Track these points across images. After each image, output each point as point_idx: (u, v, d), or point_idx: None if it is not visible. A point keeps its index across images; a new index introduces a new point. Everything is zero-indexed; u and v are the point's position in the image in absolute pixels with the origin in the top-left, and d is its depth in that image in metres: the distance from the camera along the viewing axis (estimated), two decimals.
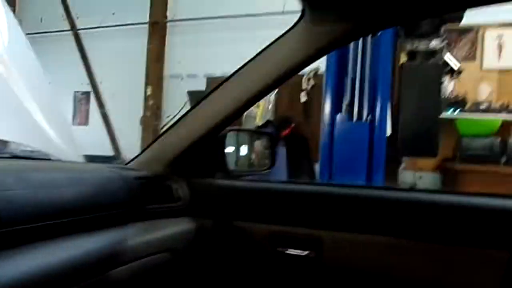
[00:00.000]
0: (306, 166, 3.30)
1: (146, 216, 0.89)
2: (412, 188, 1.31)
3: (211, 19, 3.82)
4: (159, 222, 0.92)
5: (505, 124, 2.96)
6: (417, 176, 3.31)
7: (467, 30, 3.16)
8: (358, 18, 0.84)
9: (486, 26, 3.11)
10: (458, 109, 3.04)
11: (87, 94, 4.55)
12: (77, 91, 4.57)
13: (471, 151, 2.81)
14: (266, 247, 1.00)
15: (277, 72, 0.93)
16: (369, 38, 2.01)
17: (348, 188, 1.00)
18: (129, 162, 1.00)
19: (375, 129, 2.02)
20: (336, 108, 2.15)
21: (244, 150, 1.61)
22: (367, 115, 2.03)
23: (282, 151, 3.27)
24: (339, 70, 2.17)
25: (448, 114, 3.03)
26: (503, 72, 3.11)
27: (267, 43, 0.92)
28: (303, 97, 3.54)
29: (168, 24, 4.19)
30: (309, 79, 3.49)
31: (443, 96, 3.05)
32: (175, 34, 4.19)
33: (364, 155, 2.00)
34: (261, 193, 1.04)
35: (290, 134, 3.37)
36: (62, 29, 4.48)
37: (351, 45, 2.06)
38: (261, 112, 3.53)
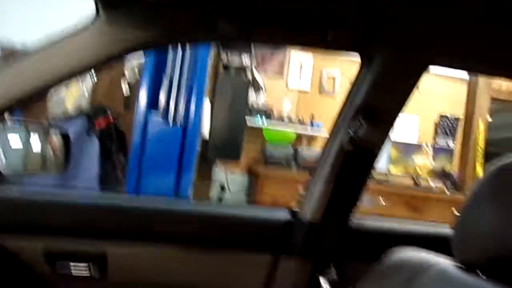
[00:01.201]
0: (122, 162, 3.14)
1: None
2: (187, 200, 1.40)
3: None
4: None
5: (299, 136, 3.55)
6: (229, 176, 3.62)
7: (278, 50, 3.63)
8: (159, 27, 0.82)
9: (290, 50, 3.65)
10: (265, 119, 3.46)
11: None
12: None
13: (272, 157, 3.24)
14: (41, 268, 0.88)
15: (64, 69, 0.83)
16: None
17: (131, 198, 0.99)
18: None
19: (188, 133, 2.08)
20: (151, 108, 2.12)
21: (31, 147, 1.39)
22: (181, 119, 2.08)
23: (95, 145, 3.01)
24: (157, 70, 2.14)
25: (257, 122, 3.42)
26: (301, 92, 3.72)
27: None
28: (125, 89, 3.35)
29: None
30: (133, 70, 3.32)
31: (255, 106, 3.44)
32: None
33: (175, 157, 2.04)
34: (34, 203, 0.91)
35: (106, 127, 3.13)
36: None
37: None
38: (73, 98, 3.16)
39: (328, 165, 0.95)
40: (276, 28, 0.77)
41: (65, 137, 1.23)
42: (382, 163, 3.51)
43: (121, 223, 0.94)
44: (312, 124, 3.55)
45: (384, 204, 3.24)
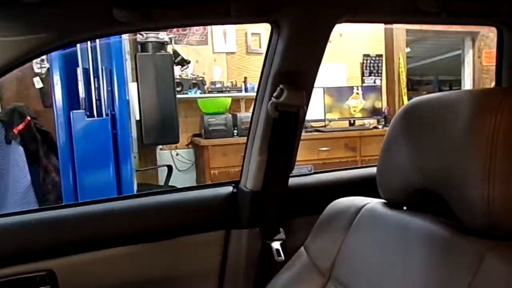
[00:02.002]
0: (54, 163, 2.92)
1: None
2: (130, 194, 1.36)
3: None
4: None
5: (236, 101, 3.53)
6: (174, 153, 3.55)
7: None
8: (53, 28, 0.74)
9: None
10: (199, 90, 3.38)
11: None
12: None
13: (211, 127, 3.21)
14: None
15: None
16: None
17: (69, 208, 0.94)
18: None
19: (117, 122, 1.98)
20: (70, 103, 1.96)
21: None
22: (107, 109, 1.96)
23: (19, 152, 2.75)
24: (68, 60, 1.96)
25: (191, 95, 3.33)
26: (229, 54, 3.65)
27: None
28: (39, 83, 3.06)
29: None
30: (42, 61, 3.02)
31: (187, 78, 3.32)
32: None
33: (109, 149, 1.95)
34: None
35: (27, 129, 2.86)
36: None
37: None
38: None
39: (260, 134, 0.96)
40: (176, 8, 0.72)
41: None
42: (319, 112, 3.65)
43: (64, 235, 0.89)
44: (245, 86, 3.53)
45: (324, 149, 3.41)
